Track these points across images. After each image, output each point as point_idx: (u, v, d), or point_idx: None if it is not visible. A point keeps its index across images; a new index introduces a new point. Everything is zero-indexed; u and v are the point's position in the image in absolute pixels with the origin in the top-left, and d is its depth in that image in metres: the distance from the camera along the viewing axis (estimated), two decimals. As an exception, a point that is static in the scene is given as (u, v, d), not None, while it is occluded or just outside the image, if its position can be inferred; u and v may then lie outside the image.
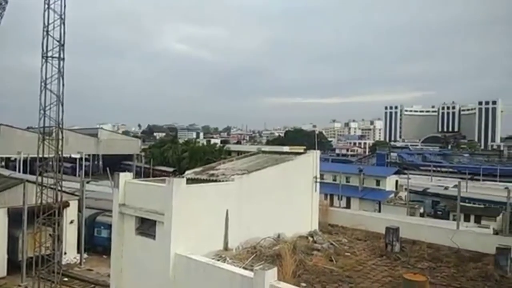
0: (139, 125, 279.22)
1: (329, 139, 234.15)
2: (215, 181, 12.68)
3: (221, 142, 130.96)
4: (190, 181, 11.96)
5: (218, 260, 10.33)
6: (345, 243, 14.15)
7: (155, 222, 11.01)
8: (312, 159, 15.91)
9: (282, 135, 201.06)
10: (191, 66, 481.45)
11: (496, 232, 32.14)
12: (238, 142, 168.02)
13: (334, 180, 51.43)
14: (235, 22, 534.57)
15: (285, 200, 13.95)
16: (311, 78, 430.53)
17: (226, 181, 12.40)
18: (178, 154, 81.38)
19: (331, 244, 13.56)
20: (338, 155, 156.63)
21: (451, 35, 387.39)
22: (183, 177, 12.42)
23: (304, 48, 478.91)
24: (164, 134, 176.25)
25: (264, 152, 18.29)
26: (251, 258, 10.80)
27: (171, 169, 70.97)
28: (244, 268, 9.65)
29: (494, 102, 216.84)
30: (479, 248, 13.56)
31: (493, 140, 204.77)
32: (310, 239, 13.94)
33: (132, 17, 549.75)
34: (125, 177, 12.46)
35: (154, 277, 10.77)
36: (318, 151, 16.54)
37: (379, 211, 45.86)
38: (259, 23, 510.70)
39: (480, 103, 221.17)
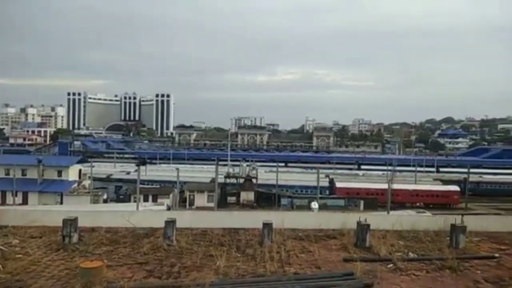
0: None
1: (1, 126, 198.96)
2: None
3: None
4: None
5: None
6: (16, 245, 12.57)
7: None
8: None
9: None
10: None
11: (168, 208, 37.43)
12: None
13: (7, 174, 45.80)
14: None
15: None
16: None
17: None
18: None
19: (-3, 249, 11.68)
20: (12, 145, 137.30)
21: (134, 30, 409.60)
22: None
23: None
24: None
25: None
26: None
27: None
28: None
29: (168, 96, 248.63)
30: (152, 224, 15.29)
31: (167, 128, 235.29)
32: (-33, 249, 11.46)
33: None
34: None
35: None
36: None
37: (61, 203, 43.60)
38: None
39: (157, 95, 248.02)
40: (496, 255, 12.79)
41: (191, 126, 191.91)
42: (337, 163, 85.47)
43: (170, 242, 13.13)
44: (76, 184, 49.10)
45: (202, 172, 62.41)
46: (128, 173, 61.46)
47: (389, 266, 11.40)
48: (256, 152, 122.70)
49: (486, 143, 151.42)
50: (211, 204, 42.81)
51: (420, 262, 11.84)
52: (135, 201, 34.48)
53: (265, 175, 57.15)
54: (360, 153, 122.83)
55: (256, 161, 63.33)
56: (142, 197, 39.69)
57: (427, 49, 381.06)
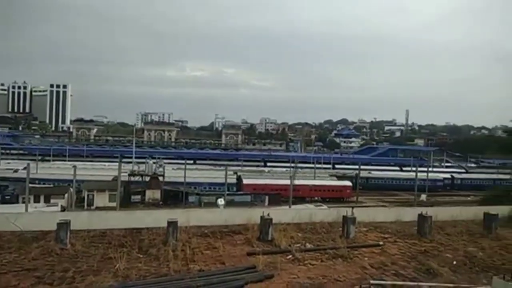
0: None
1: None
2: None
3: None
4: None
5: None
6: None
7: None
8: None
9: None
10: None
11: (63, 209, 34.44)
12: None
13: None
14: None
15: None
16: None
17: None
18: None
19: None
20: None
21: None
22: None
23: None
24: None
25: None
26: None
27: None
28: None
29: (64, 86, 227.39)
30: (43, 227, 13.98)
31: (63, 122, 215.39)
32: None
33: None
34: None
35: None
36: None
37: None
38: None
39: (52, 86, 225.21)
40: (381, 243, 14.40)
41: (91, 121, 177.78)
42: (244, 160, 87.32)
43: (63, 246, 12.18)
44: None
45: (103, 170, 58.53)
46: (16, 171, 54.99)
47: (288, 257, 12.08)
48: (164, 149, 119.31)
49: (374, 143, 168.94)
50: (114, 204, 40.45)
51: (316, 252, 12.78)
52: (23, 202, 31.04)
53: (173, 172, 55.90)
54: (266, 150, 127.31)
55: (163, 158, 61.54)
56: (32, 197, 35.89)
57: (324, 54, 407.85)
